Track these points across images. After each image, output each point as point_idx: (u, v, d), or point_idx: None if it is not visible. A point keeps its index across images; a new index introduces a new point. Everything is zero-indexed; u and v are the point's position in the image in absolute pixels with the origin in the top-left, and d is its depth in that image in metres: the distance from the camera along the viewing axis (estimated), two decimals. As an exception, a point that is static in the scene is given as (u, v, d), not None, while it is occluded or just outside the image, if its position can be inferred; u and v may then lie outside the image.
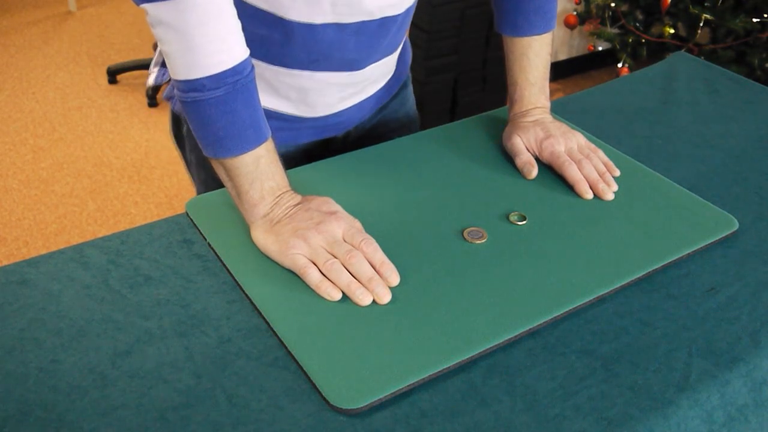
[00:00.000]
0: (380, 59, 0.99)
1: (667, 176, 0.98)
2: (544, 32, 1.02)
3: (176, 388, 0.67)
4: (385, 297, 0.75)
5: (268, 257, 0.80)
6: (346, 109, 1.04)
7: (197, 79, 0.74)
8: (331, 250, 0.77)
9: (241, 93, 0.76)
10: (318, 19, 0.87)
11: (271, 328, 0.73)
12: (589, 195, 0.92)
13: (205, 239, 0.85)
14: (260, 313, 0.75)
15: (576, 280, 0.79)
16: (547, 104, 1.03)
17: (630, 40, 2.80)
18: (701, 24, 2.58)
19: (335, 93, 0.99)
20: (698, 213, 0.91)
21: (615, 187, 0.94)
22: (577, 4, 2.99)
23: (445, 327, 0.73)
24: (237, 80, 0.76)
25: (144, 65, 3.24)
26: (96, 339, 0.72)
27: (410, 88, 1.20)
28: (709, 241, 0.87)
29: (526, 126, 1.00)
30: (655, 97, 1.20)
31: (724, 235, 0.88)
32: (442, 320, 0.74)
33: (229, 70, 0.75)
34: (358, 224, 0.81)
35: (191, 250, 0.84)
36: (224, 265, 0.81)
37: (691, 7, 2.59)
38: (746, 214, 0.92)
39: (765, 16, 2.53)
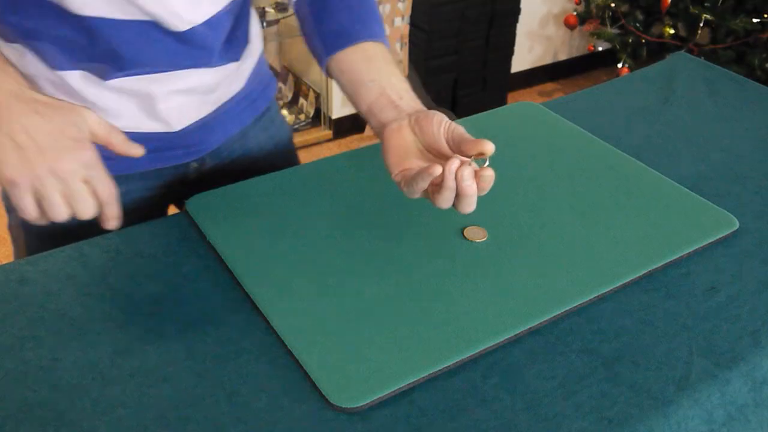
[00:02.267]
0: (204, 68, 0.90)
1: (667, 176, 0.98)
2: (378, 39, 0.86)
3: (176, 387, 0.67)
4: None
5: (267, 254, 0.80)
6: (197, 125, 0.96)
7: None
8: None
9: None
10: (117, 14, 0.78)
11: (271, 327, 0.73)
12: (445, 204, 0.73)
13: (205, 237, 0.85)
14: (260, 312, 0.75)
15: (576, 279, 0.79)
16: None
17: (630, 40, 2.80)
18: (701, 24, 2.59)
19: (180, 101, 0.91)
20: (698, 212, 0.91)
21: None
22: (577, 4, 2.99)
23: (445, 326, 0.73)
24: None
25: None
26: (96, 337, 0.72)
27: (278, 116, 1.11)
28: (709, 241, 0.87)
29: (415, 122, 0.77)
30: (655, 96, 1.20)
31: (724, 234, 0.88)
32: (442, 319, 0.74)
33: None
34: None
35: (191, 248, 0.84)
36: (224, 263, 0.81)
37: (691, 7, 2.59)
38: (746, 214, 0.92)
39: (765, 16, 2.53)
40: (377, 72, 0.83)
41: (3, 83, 0.72)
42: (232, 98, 1.00)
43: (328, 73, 0.88)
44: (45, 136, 0.69)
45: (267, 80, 1.09)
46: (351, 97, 0.86)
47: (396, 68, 0.85)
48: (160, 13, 0.79)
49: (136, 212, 0.95)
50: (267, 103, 1.08)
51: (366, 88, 0.82)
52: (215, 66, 0.92)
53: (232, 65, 0.96)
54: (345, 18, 0.86)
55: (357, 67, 0.84)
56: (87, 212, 0.72)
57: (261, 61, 1.06)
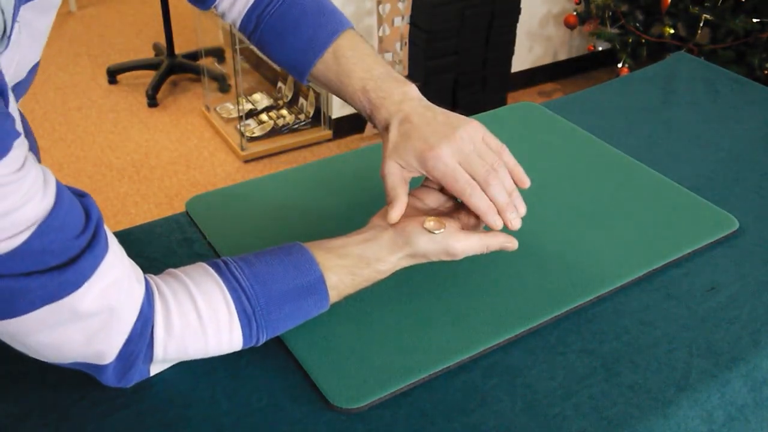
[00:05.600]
0: None
1: (667, 176, 0.98)
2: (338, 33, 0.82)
3: (176, 388, 0.67)
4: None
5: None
6: None
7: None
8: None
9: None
10: None
11: (271, 328, 0.73)
12: (499, 225, 0.73)
13: (205, 238, 0.85)
14: (260, 313, 0.75)
15: (576, 280, 0.79)
16: (412, 92, 0.79)
17: (630, 40, 2.80)
18: (701, 24, 2.58)
19: None
20: (698, 213, 0.91)
21: (523, 211, 0.76)
22: (577, 4, 2.99)
23: (445, 327, 0.73)
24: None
25: (144, 65, 3.23)
26: (96, 338, 0.72)
27: None
28: (709, 241, 0.87)
29: (400, 134, 0.75)
30: (655, 96, 1.20)
31: (724, 234, 0.88)
32: (442, 320, 0.74)
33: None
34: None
35: (191, 248, 0.84)
36: (224, 264, 0.81)
37: (691, 7, 2.59)
38: (746, 214, 0.92)
39: (765, 16, 2.53)
40: (346, 76, 0.80)
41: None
42: None
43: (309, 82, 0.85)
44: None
45: None
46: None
47: (361, 56, 0.81)
48: None
49: None
50: None
51: (355, 102, 0.81)
52: None
53: None
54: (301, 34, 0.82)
55: (334, 81, 0.81)
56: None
57: None
